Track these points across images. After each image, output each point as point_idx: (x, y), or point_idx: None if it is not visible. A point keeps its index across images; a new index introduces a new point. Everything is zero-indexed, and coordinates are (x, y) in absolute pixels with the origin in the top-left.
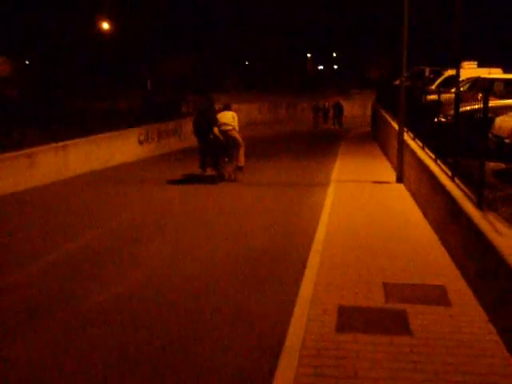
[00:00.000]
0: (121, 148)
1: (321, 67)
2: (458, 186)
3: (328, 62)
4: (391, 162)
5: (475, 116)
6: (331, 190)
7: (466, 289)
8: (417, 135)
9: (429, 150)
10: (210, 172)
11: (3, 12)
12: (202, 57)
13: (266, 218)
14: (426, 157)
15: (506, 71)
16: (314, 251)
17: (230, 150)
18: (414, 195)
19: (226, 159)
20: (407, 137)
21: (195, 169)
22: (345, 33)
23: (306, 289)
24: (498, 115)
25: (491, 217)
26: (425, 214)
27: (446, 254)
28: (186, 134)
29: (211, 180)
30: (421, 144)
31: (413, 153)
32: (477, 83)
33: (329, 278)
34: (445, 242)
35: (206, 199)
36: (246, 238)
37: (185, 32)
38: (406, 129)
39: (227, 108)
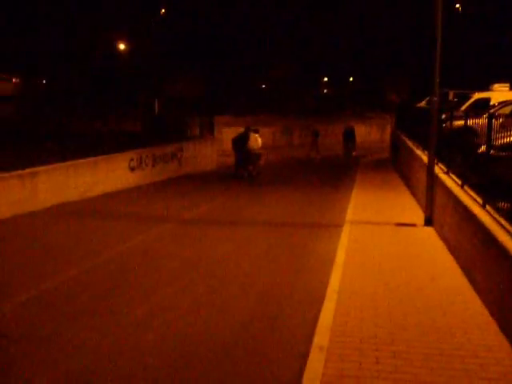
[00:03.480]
0: (107, 175)
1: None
2: None
3: (344, 86)
4: (416, 197)
5: None
6: (345, 236)
7: None
8: (451, 168)
9: (470, 189)
10: (241, 172)
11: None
12: (211, 78)
13: (255, 277)
14: (469, 199)
15: None
16: (315, 349)
17: (253, 160)
18: (450, 245)
19: (251, 166)
20: (438, 170)
21: (188, 200)
22: (362, 54)
23: None
24: None
25: None
26: (471, 279)
27: None
28: (188, 159)
29: (241, 177)
30: (459, 181)
31: (448, 191)
32: None
33: None
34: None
35: (188, 244)
36: (221, 312)
37: (194, 52)
38: (436, 160)
39: (256, 132)
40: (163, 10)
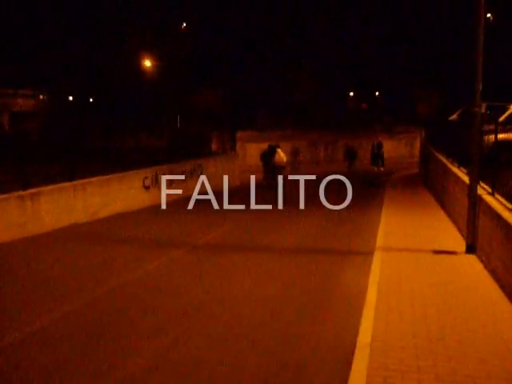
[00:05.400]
0: (119, 195)
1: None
2: None
3: (371, 101)
4: (453, 220)
5: None
6: (376, 266)
7: None
8: (496, 189)
9: None
10: (268, 182)
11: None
12: (233, 92)
13: (269, 324)
14: None
15: None
16: None
17: (278, 172)
18: (499, 280)
19: (277, 176)
20: (481, 190)
21: (204, 221)
22: (388, 67)
23: None
24: None
25: None
26: None
27: None
28: (208, 176)
29: (269, 186)
30: (509, 204)
31: (496, 216)
32: None
33: None
34: None
35: (196, 277)
36: (221, 376)
37: (216, 66)
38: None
39: (277, 147)
40: (184, 25)
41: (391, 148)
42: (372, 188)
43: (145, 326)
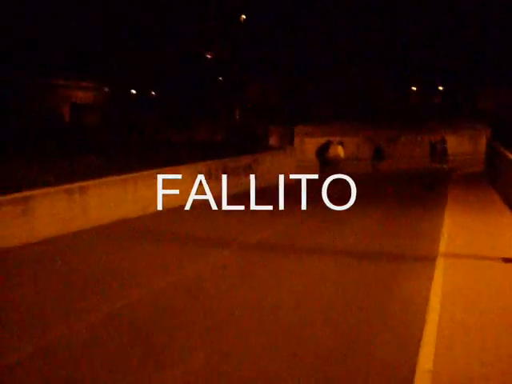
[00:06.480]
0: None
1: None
2: None
3: (434, 95)
4: None
5: None
6: (439, 276)
7: None
8: None
9: None
10: (327, 173)
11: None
12: (291, 86)
13: (313, 343)
14: None
15: None
16: None
17: (334, 165)
18: None
19: (331, 170)
20: None
21: (255, 218)
22: (452, 62)
23: None
24: None
25: None
26: None
27: None
28: (264, 172)
29: (324, 179)
30: None
31: None
32: None
33: None
34: None
35: (242, 280)
36: None
37: (274, 59)
38: None
39: (340, 144)
40: (243, 17)
41: (454, 144)
42: (430, 188)
43: (184, 339)
